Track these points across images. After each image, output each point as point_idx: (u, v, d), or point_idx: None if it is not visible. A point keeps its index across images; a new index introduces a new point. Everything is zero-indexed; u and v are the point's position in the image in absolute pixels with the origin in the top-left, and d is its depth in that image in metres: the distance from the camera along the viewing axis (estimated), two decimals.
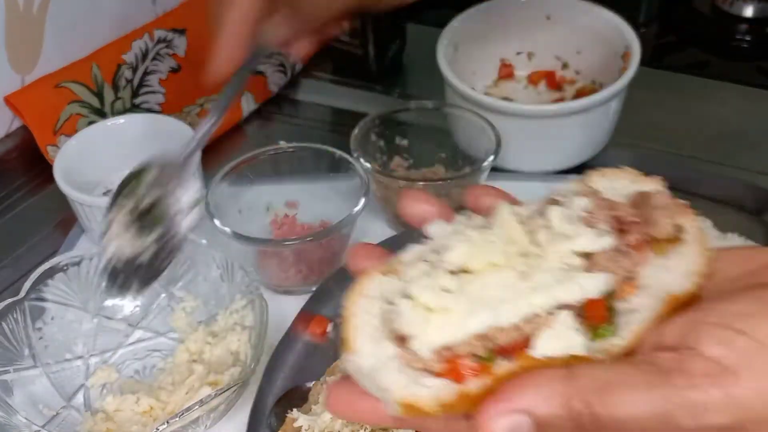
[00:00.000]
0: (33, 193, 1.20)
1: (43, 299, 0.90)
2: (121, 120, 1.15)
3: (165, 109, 1.30)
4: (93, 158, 1.11)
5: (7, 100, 1.21)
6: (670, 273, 0.47)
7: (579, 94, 1.20)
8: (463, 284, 0.46)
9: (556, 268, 0.46)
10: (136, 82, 1.31)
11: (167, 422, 0.75)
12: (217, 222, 0.95)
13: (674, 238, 0.48)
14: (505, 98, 1.20)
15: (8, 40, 1.19)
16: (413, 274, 0.47)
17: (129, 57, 1.32)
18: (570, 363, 0.44)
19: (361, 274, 0.50)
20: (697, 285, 0.47)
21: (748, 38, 1.46)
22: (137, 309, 0.96)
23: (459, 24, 1.20)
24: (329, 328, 0.94)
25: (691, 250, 0.48)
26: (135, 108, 1.29)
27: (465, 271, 0.47)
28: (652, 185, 0.51)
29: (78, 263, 0.92)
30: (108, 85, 1.28)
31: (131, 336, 0.95)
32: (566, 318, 0.45)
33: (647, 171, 0.53)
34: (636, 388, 0.43)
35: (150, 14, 1.41)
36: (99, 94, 1.27)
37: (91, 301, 0.93)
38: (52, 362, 0.90)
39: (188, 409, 0.76)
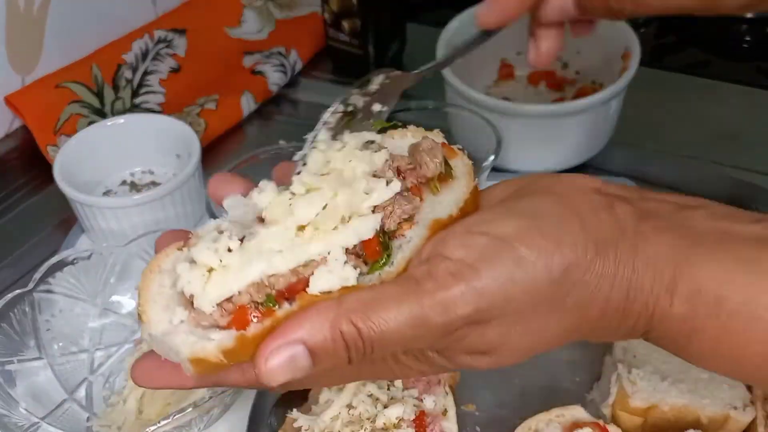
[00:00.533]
0: (33, 193, 1.20)
1: (51, 291, 0.90)
2: (121, 120, 1.15)
3: (165, 109, 1.30)
4: (93, 158, 1.11)
5: (8, 100, 1.22)
6: (441, 205, 0.54)
7: (579, 94, 1.20)
8: (246, 243, 0.51)
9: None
10: (136, 82, 1.31)
11: (158, 424, 0.75)
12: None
13: (446, 176, 0.56)
14: (505, 98, 1.20)
15: (9, 41, 1.20)
16: (201, 243, 0.51)
17: (129, 57, 1.32)
18: (344, 294, 0.49)
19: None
20: (462, 210, 0.54)
21: (748, 38, 1.46)
22: None
23: (459, 24, 1.19)
24: None
25: (459, 183, 0.56)
26: (135, 108, 1.29)
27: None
28: (427, 136, 0.59)
29: (88, 257, 0.92)
30: (108, 85, 1.28)
31: (137, 332, 0.96)
32: (337, 255, 0.50)
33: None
34: (393, 300, 0.48)
35: (150, 14, 1.41)
36: (99, 94, 1.27)
37: (99, 296, 0.94)
38: (58, 354, 0.90)
39: (181, 410, 0.76)
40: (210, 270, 0.49)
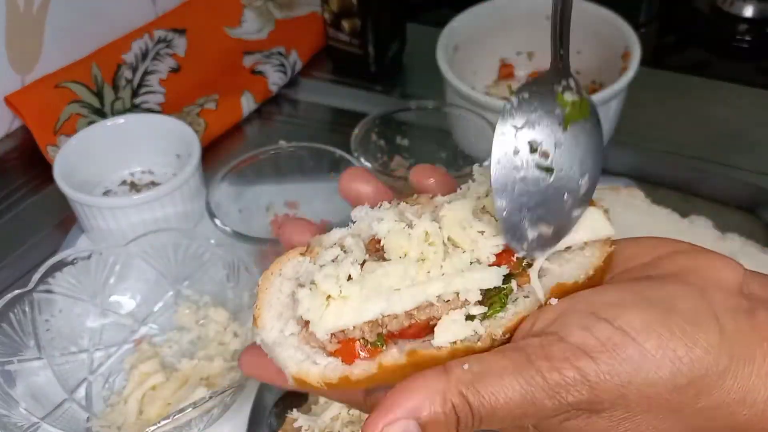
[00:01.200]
0: (33, 193, 1.20)
1: (51, 291, 0.90)
2: (121, 120, 1.15)
3: (165, 109, 1.30)
4: (93, 158, 1.11)
5: (8, 100, 1.22)
6: (568, 264, 0.51)
7: None
8: (366, 273, 0.51)
9: (463, 263, 0.51)
10: (136, 82, 1.31)
11: (158, 423, 0.75)
12: (217, 221, 0.95)
13: None
14: (505, 98, 1.20)
15: (8, 41, 1.20)
16: (325, 259, 0.52)
17: (129, 57, 1.32)
18: (455, 352, 0.49)
19: (287, 248, 0.55)
20: (590, 279, 0.51)
21: (748, 38, 1.46)
22: (144, 305, 0.96)
23: (459, 24, 1.20)
24: None
25: (592, 247, 0.52)
26: (135, 108, 1.29)
27: (380, 254, 0.53)
28: None
29: (88, 257, 0.92)
30: (108, 85, 1.28)
31: (137, 332, 0.96)
32: (471, 297, 0.50)
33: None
34: (503, 376, 0.46)
35: (150, 14, 1.41)
36: (99, 94, 1.27)
37: (99, 296, 0.94)
38: (57, 354, 0.90)
39: (181, 410, 0.76)
40: (329, 297, 0.50)
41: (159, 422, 0.75)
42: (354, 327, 0.50)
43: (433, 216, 0.54)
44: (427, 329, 0.50)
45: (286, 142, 1.07)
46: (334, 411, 0.77)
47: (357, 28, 1.32)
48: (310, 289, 0.51)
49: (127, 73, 1.31)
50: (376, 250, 0.53)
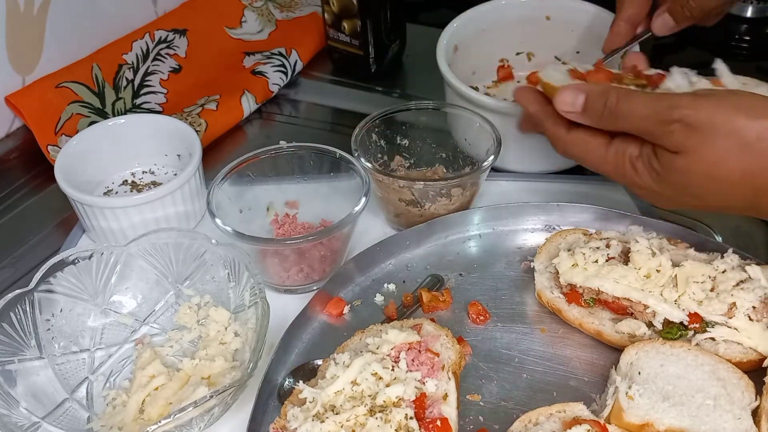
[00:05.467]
0: (34, 192, 1.20)
1: (52, 291, 0.90)
2: (121, 120, 1.15)
3: (166, 110, 1.30)
4: (94, 158, 1.11)
5: (8, 100, 1.22)
6: None
7: None
8: None
9: None
10: (137, 82, 1.32)
11: (159, 423, 0.75)
12: (218, 221, 0.95)
13: None
14: (506, 99, 1.20)
15: (9, 41, 1.20)
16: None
17: (130, 57, 1.32)
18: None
19: None
20: None
21: (748, 38, 1.46)
22: (144, 305, 0.97)
23: (459, 24, 1.20)
24: (346, 309, 0.97)
25: None
26: (136, 108, 1.29)
27: None
28: None
29: (89, 257, 0.92)
30: (109, 86, 1.29)
31: (138, 331, 0.96)
32: None
33: None
34: (641, 96, 0.82)
35: (150, 14, 1.41)
36: (100, 95, 1.27)
37: (100, 296, 0.94)
38: (58, 354, 0.90)
39: (182, 409, 0.76)
40: None
41: (160, 421, 0.76)
42: None
43: None
44: None
45: (286, 142, 1.07)
46: (339, 386, 0.78)
47: (357, 29, 1.32)
48: None
49: (128, 74, 1.31)
50: None
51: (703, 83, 0.90)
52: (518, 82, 1.26)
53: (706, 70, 0.94)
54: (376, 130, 1.09)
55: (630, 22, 1.07)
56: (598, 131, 0.87)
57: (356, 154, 1.02)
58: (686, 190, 0.81)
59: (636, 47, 1.11)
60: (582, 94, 0.85)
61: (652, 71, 0.94)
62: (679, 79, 0.90)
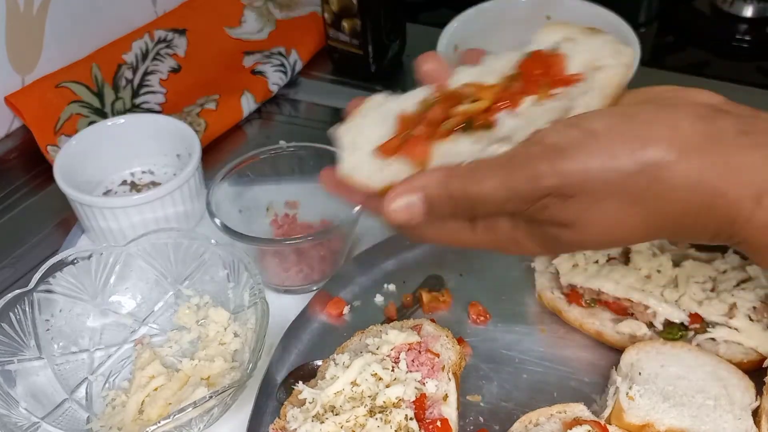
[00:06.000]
0: (33, 193, 1.20)
1: (51, 291, 0.90)
2: (121, 120, 1.15)
3: (165, 109, 1.30)
4: (93, 158, 1.11)
5: (8, 100, 1.22)
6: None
7: None
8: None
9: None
10: (136, 82, 1.31)
11: (158, 423, 0.75)
12: (218, 221, 0.95)
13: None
14: None
15: (9, 41, 1.20)
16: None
17: (129, 57, 1.32)
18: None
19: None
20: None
21: (748, 38, 1.46)
22: (144, 305, 0.97)
23: (459, 24, 1.20)
24: (346, 310, 0.97)
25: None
26: (135, 108, 1.29)
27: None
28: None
29: (88, 257, 0.92)
30: (108, 85, 1.28)
31: (137, 332, 0.96)
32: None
33: None
34: (492, 169, 0.62)
35: (150, 14, 1.41)
36: (99, 94, 1.27)
37: (99, 296, 0.94)
38: (58, 354, 0.90)
39: (181, 410, 0.76)
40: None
41: (159, 422, 0.75)
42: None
43: None
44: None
45: (286, 142, 1.07)
46: (338, 386, 0.78)
47: (357, 28, 1.32)
48: None
49: (127, 73, 1.31)
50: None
51: (526, 105, 0.66)
52: None
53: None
54: None
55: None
56: None
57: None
58: (586, 249, 0.74)
59: (634, 41, 1.11)
60: (415, 194, 0.64)
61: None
62: (507, 121, 0.65)
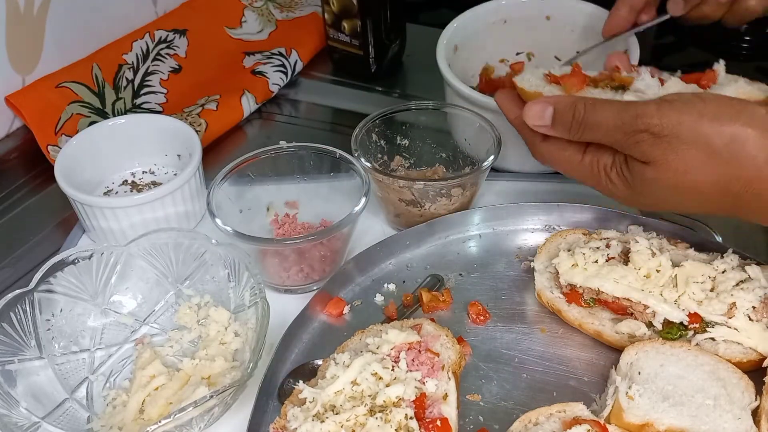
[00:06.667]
0: (34, 192, 1.20)
1: (52, 291, 0.90)
2: (122, 120, 1.15)
3: (166, 110, 1.30)
4: (94, 158, 1.11)
5: (8, 100, 1.22)
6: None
7: None
8: None
9: None
10: (137, 82, 1.32)
11: (159, 423, 0.75)
12: (218, 221, 0.95)
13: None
14: None
15: (9, 41, 1.20)
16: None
17: (130, 57, 1.32)
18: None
19: None
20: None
21: (748, 38, 1.46)
22: (144, 305, 0.97)
23: (459, 24, 1.20)
24: (346, 309, 0.97)
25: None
26: (136, 108, 1.29)
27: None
28: None
29: (89, 257, 0.92)
30: (109, 86, 1.29)
31: (138, 331, 0.96)
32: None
33: None
34: (610, 104, 0.80)
35: (150, 14, 1.41)
36: (100, 95, 1.27)
37: (100, 296, 0.94)
38: (58, 354, 0.90)
39: (182, 409, 0.76)
40: None
41: (160, 421, 0.76)
42: None
43: None
44: None
45: (286, 142, 1.07)
46: (339, 386, 0.78)
47: (357, 29, 1.32)
48: None
49: (128, 74, 1.31)
50: None
51: (673, 82, 0.88)
52: None
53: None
54: (376, 130, 1.09)
55: (632, 6, 1.08)
56: (572, 140, 0.87)
57: (356, 154, 1.02)
58: (660, 198, 0.81)
59: (633, 42, 1.11)
60: (549, 106, 0.84)
61: (634, 71, 0.92)
62: (648, 79, 0.88)
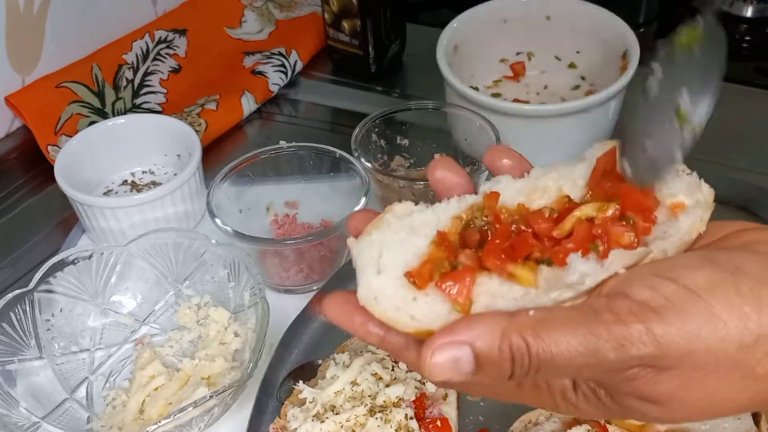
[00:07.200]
0: (34, 192, 1.20)
1: (52, 291, 0.90)
2: (121, 120, 1.15)
3: (166, 110, 1.30)
4: (94, 158, 1.11)
5: (8, 100, 1.22)
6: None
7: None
8: None
9: None
10: (137, 82, 1.32)
11: (159, 423, 0.75)
12: (218, 221, 0.95)
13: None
14: (506, 99, 1.20)
15: (9, 41, 1.20)
16: None
17: (129, 57, 1.32)
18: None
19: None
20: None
21: (748, 38, 1.47)
22: (144, 305, 0.97)
23: (459, 24, 1.20)
24: None
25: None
26: (136, 108, 1.29)
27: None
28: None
29: (88, 257, 0.92)
30: (109, 86, 1.29)
31: (138, 332, 0.96)
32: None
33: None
34: (567, 324, 0.46)
35: (150, 14, 1.41)
36: (100, 95, 1.27)
37: (100, 296, 0.94)
38: (58, 354, 0.90)
39: (182, 410, 0.76)
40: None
41: (160, 421, 0.76)
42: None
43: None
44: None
45: (286, 142, 1.07)
46: (339, 386, 0.78)
47: (357, 28, 1.32)
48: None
49: (128, 73, 1.31)
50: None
51: (616, 255, 0.51)
52: (519, 82, 1.26)
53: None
54: (376, 130, 1.09)
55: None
56: None
57: (356, 154, 1.02)
58: (674, 422, 0.64)
59: (633, 42, 1.11)
60: (464, 347, 0.48)
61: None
62: (581, 266, 0.50)
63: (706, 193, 0.55)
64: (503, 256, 0.51)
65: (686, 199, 0.54)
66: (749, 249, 0.50)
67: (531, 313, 0.48)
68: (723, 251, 0.50)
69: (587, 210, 0.52)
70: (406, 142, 1.12)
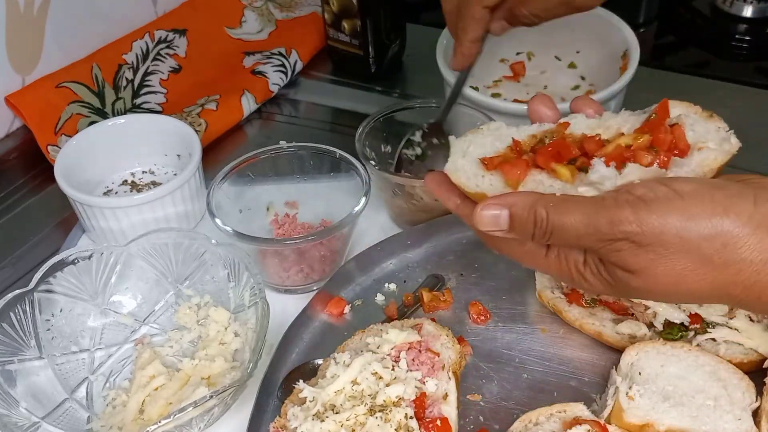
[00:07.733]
0: (34, 192, 1.20)
1: (52, 291, 0.90)
2: (121, 120, 1.15)
3: (166, 110, 1.30)
4: (94, 158, 1.11)
5: (8, 100, 1.22)
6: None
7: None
8: None
9: None
10: (137, 82, 1.31)
11: (159, 423, 0.75)
12: (218, 221, 0.95)
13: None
14: (506, 99, 1.20)
15: (9, 41, 1.20)
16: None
17: (129, 57, 1.32)
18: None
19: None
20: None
21: (747, 38, 1.47)
22: (144, 305, 0.97)
23: None
24: (346, 309, 0.97)
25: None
26: (136, 108, 1.29)
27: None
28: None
29: (88, 257, 0.92)
30: (109, 86, 1.28)
31: (138, 331, 0.96)
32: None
33: None
34: (579, 205, 0.66)
35: (150, 14, 1.41)
36: (100, 94, 1.27)
37: (100, 296, 0.94)
38: (58, 354, 0.90)
39: (182, 409, 0.76)
40: None
41: (160, 421, 0.76)
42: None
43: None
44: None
45: (286, 142, 1.07)
46: (339, 385, 0.78)
47: (357, 29, 1.32)
48: None
49: (128, 73, 1.31)
50: None
51: (631, 168, 0.69)
52: (519, 82, 1.26)
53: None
54: (378, 129, 1.09)
55: (475, 42, 1.02)
56: None
57: (365, 152, 1.02)
58: (650, 298, 0.75)
59: (633, 42, 1.11)
60: (504, 210, 0.69)
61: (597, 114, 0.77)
62: (603, 170, 0.69)
63: (733, 143, 0.70)
64: (551, 156, 0.70)
65: (713, 146, 0.69)
66: (743, 180, 0.66)
67: (557, 194, 0.68)
68: (723, 179, 0.66)
69: (626, 139, 0.70)
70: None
